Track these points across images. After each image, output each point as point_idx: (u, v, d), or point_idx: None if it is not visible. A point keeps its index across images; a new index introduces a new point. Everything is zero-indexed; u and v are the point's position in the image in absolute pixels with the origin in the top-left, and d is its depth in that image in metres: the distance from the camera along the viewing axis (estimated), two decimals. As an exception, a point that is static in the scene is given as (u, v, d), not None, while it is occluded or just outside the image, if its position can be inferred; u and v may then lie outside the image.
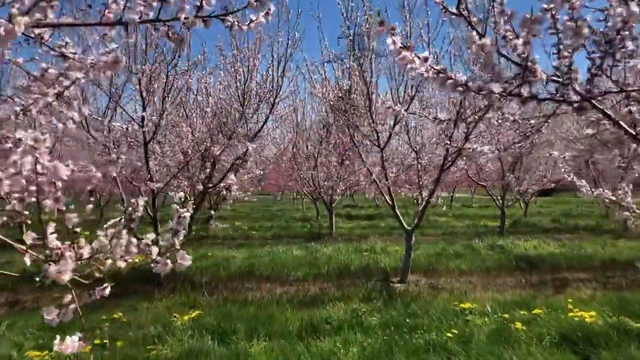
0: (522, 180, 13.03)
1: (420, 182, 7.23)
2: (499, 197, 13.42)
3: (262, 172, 6.63)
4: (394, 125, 6.14)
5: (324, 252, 9.38)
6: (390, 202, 6.73)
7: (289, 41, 6.09)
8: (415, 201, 10.56)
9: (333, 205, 12.27)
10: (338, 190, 11.05)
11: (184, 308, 5.58)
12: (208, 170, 6.56)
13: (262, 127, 6.31)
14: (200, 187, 6.16)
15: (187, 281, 6.56)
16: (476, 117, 5.72)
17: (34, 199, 1.19)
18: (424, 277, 7.26)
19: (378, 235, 13.13)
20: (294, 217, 18.19)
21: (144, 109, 5.79)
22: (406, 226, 6.82)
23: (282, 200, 36.42)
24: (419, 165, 7.24)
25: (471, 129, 5.71)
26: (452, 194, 25.51)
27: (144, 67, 5.51)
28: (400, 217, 6.81)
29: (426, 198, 6.79)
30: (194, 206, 6.32)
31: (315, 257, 8.72)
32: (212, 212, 7.63)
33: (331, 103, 5.84)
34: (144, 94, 5.73)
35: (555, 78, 1.49)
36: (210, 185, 6.54)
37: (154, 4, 1.28)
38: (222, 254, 9.17)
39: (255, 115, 6.51)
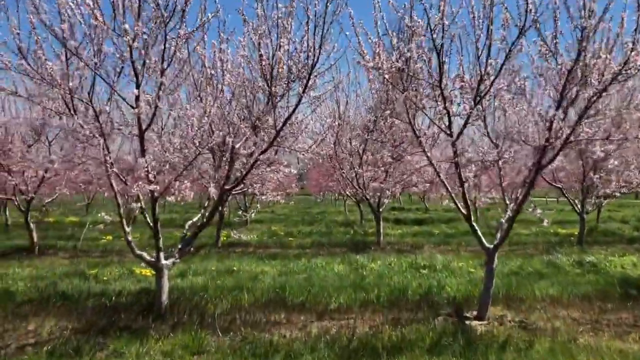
0: (605, 181, 10.87)
1: (502, 185, 5.48)
2: (576, 201, 11.37)
3: (293, 171, 5.02)
4: (476, 104, 4.43)
5: (372, 268, 7.74)
6: (465, 212, 5.02)
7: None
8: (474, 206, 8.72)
9: (381, 210, 10.59)
10: (388, 192, 9.36)
11: (186, 353, 4.10)
12: (225, 168, 5.08)
13: (293, 111, 4.74)
14: (213, 190, 4.67)
15: (197, 312, 5.10)
16: (598, 89, 3.94)
17: None
18: (507, 310, 5.49)
19: (433, 244, 11.36)
20: (335, 221, 16.61)
21: (138, 85, 4.36)
22: (486, 244, 5.09)
23: (323, 202, 34.92)
24: (500, 163, 5.49)
25: (590, 104, 3.94)
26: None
27: (136, 26, 4.07)
28: (479, 232, 5.09)
29: (513, 207, 5.04)
30: (207, 216, 4.83)
31: (361, 276, 7.10)
32: (244, 215, 6.18)
33: (385, 77, 4.18)
34: (137, 64, 4.30)
35: None
36: (228, 187, 5.04)
37: None
38: (250, 268, 7.70)
39: (286, 98, 4.96)
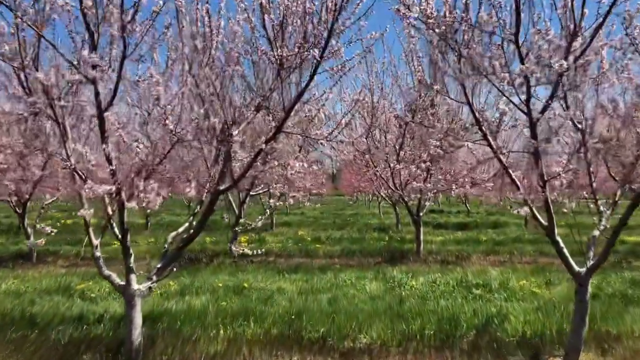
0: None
1: (593, 184, 4.01)
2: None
3: (306, 166, 3.69)
4: (568, 68, 3.01)
5: (412, 286, 6.35)
6: (547, 225, 3.59)
7: None
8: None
9: (421, 214, 9.16)
10: (429, 194, 7.95)
11: None
12: (219, 163, 3.83)
13: (308, 83, 3.45)
14: (193, 191, 3.41)
15: (181, 355, 3.87)
16: None
17: None
18: (602, 357, 4.02)
19: (481, 254, 9.83)
20: (368, 225, 15.20)
21: (94, 47, 3.17)
22: (576, 267, 3.64)
23: (356, 204, 33.51)
24: (588, 156, 4.02)
25: None
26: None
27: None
28: (565, 251, 3.64)
29: (607, 214, 3.58)
30: (196, 225, 3.61)
31: (400, 297, 5.73)
32: (237, 227, 4.94)
33: (435, 31, 2.81)
34: (90, 18, 3.11)
35: None
36: (223, 188, 3.78)
37: None
38: (265, 285, 6.45)
39: (297, 72, 3.66)
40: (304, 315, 4.88)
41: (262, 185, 8.33)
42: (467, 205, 20.22)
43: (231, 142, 3.51)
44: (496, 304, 5.47)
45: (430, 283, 6.42)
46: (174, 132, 3.21)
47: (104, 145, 3.23)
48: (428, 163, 7.01)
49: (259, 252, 4.66)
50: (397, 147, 8.21)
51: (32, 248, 8.63)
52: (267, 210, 4.90)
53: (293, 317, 4.88)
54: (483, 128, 3.83)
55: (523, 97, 3.32)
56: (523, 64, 3.12)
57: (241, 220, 4.57)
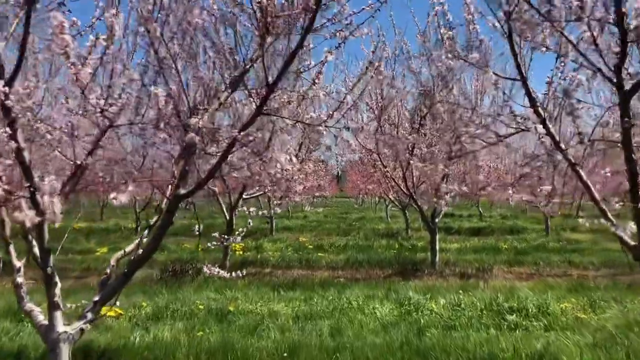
0: None
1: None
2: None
3: (298, 164, 2.65)
4: None
5: (431, 309, 5.28)
6: (635, 242, 2.53)
7: None
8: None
9: (436, 220, 8.10)
10: (447, 197, 6.88)
11: None
12: (181, 161, 2.80)
13: (300, 44, 2.39)
14: (123, 197, 2.38)
15: None
16: None
17: None
18: None
19: (503, 265, 8.76)
20: (376, 230, 14.12)
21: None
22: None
23: (362, 206, 32.41)
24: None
25: None
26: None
27: None
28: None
29: None
30: (148, 244, 2.62)
31: (418, 326, 4.67)
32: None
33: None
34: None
35: None
36: (184, 192, 2.74)
37: None
38: (254, 307, 5.41)
39: (285, 41, 2.62)
40: (300, 353, 3.85)
41: (257, 187, 7.30)
42: (480, 208, 19.09)
43: (191, 130, 2.47)
44: (537, 335, 4.42)
45: (454, 306, 5.35)
46: (101, 110, 2.17)
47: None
48: (451, 158, 5.94)
49: (240, 273, 3.60)
50: (410, 147, 7.15)
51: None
52: (250, 222, 3.81)
53: (285, 355, 3.85)
54: (540, 111, 2.79)
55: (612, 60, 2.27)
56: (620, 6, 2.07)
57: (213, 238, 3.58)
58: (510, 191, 3.35)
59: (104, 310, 5.26)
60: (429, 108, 6.50)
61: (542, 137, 2.68)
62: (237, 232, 3.85)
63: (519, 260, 9.15)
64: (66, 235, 7.48)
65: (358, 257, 9.10)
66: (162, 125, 2.32)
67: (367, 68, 2.33)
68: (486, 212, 20.77)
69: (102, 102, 2.20)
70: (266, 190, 6.74)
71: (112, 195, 2.04)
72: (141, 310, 5.26)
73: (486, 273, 7.96)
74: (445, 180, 7.31)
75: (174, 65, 2.43)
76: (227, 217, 7.69)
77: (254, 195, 7.96)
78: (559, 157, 2.80)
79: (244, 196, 7.61)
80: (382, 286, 6.59)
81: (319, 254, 9.67)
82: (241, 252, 9.63)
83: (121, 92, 2.17)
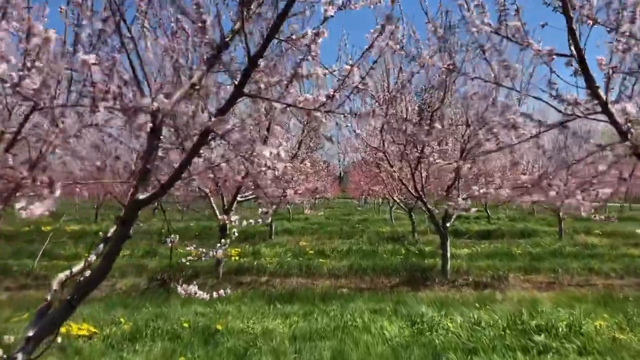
0: None
1: None
2: None
3: (287, 161, 2.07)
4: None
5: (448, 328, 4.64)
6: None
7: None
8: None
9: (448, 225, 7.46)
10: (460, 200, 6.25)
11: None
12: (140, 156, 2.19)
13: (277, 25, 1.73)
14: (41, 206, 1.78)
15: None
16: None
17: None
18: None
19: (519, 272, 8.12)
20: (380, 234, 13.47)
21: None
22: None
23: (365, 207, 31.73)
24: None
25: None
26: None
27: None
28: None
29: None
30: (101, 263, 2.03)
31: (434, 351, 4.04)
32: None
33: None
34: None
35: None
36: (143, 198, 2.13)
37: None
38: (245, 325, 4.78)
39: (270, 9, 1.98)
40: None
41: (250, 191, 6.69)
42: (487, 209, 18.41)
43: (144, 113, 1.84)
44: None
45: (472, 324, 4.71)
46: (14, 85, 1.56)
47: None
48: (469, 155, 5.34)
49: (224, 292, 2.98)
50: (418, 147, 6.53)
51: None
52: (235, 231, 3.19)
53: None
54: (601, 94, 2.17)
55: None
56: None
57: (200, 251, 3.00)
58: (535, 197, 2.72)
59: (74, 329, 4.61)
60: (441, 101, 5.88)
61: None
62: (227, 237, 3.22)
63: (534, 267, 8.50)
64: (47, 240, 6.71)
65: (362, 264, 8.46)
66: (100, 107, 1.69)
67: (382, 27, 1.70)
68: (493, 213, 20.09)
69: (14, 75, 1.58)
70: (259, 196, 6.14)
71: (18, 204, 1.42)
72: (119, 328, 4.65)
73: (502, 282, 7.31)
74: (457, 181, 6.70)
75: (124, 25, 1.81)
76: (220, 221, 7.08)
77: (249, 197, 7.33)
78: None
79: (238, 198, 6.99)
80: (389, 298, 5.96)
81: (320, 259, 9.04)
82: (237, 258, 9.02)
83: (35, 59, 1.55)
